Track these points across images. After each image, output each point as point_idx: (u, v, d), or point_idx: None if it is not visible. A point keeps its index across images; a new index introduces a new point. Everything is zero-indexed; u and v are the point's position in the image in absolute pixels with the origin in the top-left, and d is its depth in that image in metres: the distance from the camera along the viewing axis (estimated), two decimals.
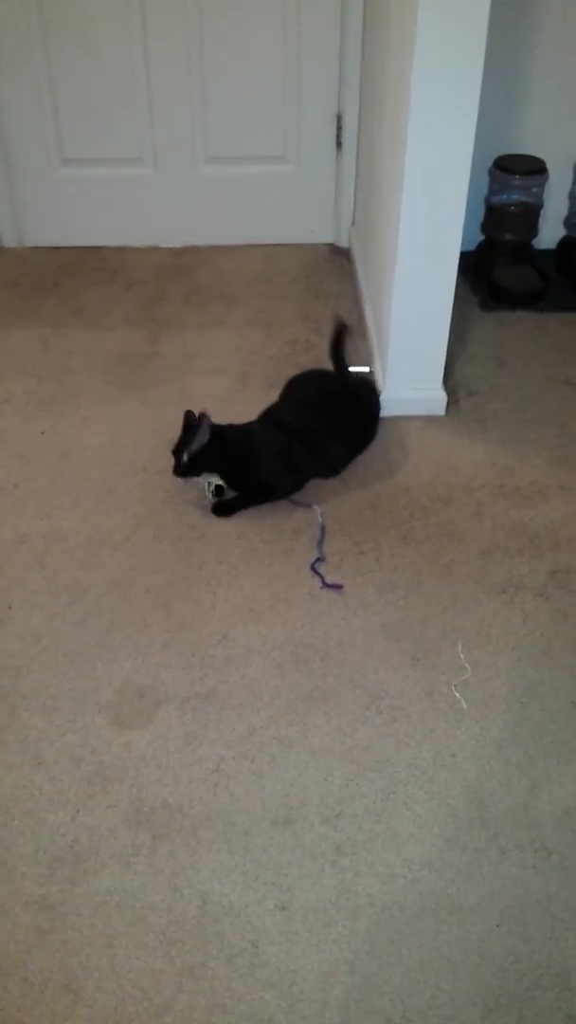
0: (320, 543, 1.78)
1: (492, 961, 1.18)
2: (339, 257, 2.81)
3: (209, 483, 1.85)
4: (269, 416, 1.94)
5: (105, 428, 2.10)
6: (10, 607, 1.66)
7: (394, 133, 1.89)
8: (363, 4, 2.41)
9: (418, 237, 1.88)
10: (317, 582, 1.70)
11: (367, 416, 2.05)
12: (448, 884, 1.25)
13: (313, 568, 1.73)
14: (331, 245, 2.88)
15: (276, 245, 2.86)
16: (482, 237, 2.67)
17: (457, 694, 1.50)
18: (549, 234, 2.70)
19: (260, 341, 2.41)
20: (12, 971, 1.17)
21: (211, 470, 1.83)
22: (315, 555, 1.76)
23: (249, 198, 2.79)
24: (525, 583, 1.70)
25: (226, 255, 2.82)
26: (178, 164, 2.73)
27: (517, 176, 2.51)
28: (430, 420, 2.12)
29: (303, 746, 1.43)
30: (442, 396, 2.12)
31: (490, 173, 2.55)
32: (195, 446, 1.78)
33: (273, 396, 2.03)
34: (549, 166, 2.53)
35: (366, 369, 2.12)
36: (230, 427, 1.86)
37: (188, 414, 1.83)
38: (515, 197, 2.55)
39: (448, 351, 2.07)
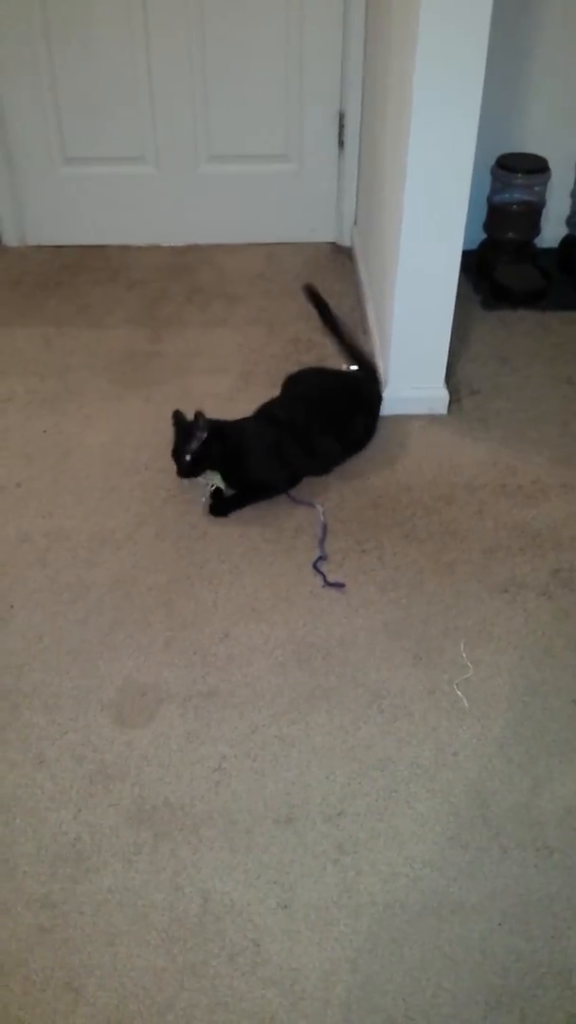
0: (322, 542, 1.78)
1: (494, 960, 1.18)
2: (341, 256, 2.81)
3: (211, 484, 1.85)
4: (262, 412, 1.94)
5: (107, 427, 2.11)
6: (12, 606, 1.66)
7: (396, 132, 1.89)
8: (365, 3, 2.41)
9: (420, 236, 1.88)
10: (319, 581, 1.70)
11: (364, 412, 2.03)
12: (450, 883, 1.25)
13: (315, 567, 1.73)
14: (333, 244, 2.87)
15: (278, 244, 2.86)
16: (484, 236, 2.66)
17: (459, 693, 1.50)
18: (551, 233, 2.70)
19: (262, 340, 2.41)
20: (14, 969, 1.17)
21: (213, 467, 1.83)
22: (317, 554, 1.76)
23: (251, 197, 2.79)
24: (527, 582, 1.70)
25: (228, 254, 2.82)
26: (180, 163, 2.73)
27: (519, 175, 2.51)
28: (432, 419, 2.12)
29: (305, 745, 1.43)
30: (444, 395, 2.12)
31: (492, 172, 2.54)
32: (195, 444, 1.78)
33: (275, 395, 2.03)
34: (551, 165, 2.53)
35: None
36: (225, 423, 1.86)
37: (176, 414, 1.82)
38: (517, 196, 2.55)
39: (450, 350, 2.07)
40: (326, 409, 1.95)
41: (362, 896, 1.24)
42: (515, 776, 1.38)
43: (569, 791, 1.36)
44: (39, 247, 2.87)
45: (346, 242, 2.84)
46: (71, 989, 1.15)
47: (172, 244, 2.87)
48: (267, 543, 1.79)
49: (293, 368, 2.14)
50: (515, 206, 2.56)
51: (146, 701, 1.50)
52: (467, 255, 1.97)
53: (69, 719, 1.47)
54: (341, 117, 2.65)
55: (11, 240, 2.87)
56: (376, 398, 2.08)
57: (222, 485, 1.85)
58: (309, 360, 2.28)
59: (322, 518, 1.83)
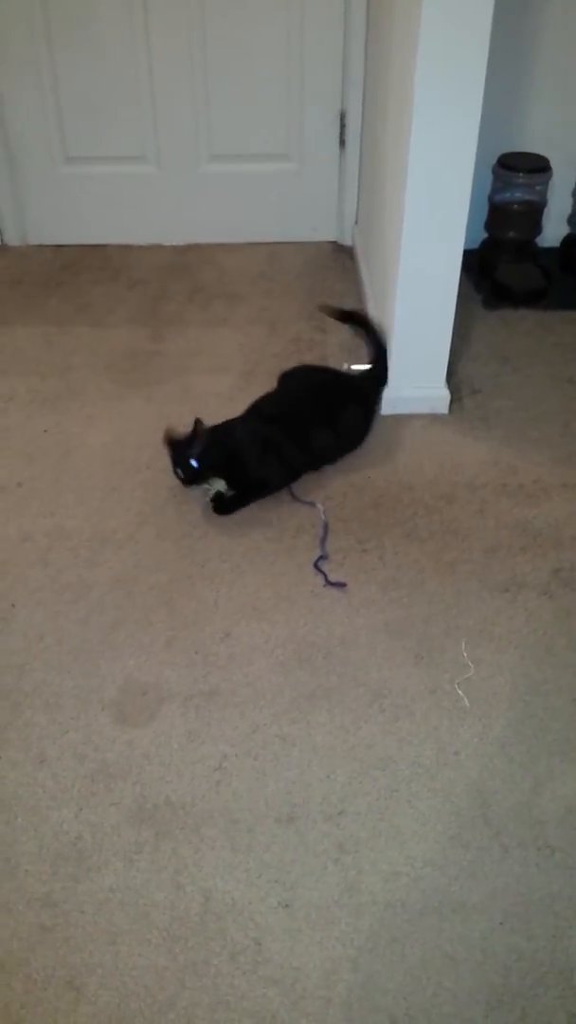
0: (323, 541, 1.78)
1: (495, 959, 1.18)
2: (342, 255, 2.81)
3: (212, 490, 1.84)
4: (253, 409, 1.95)
5: (108, 426, 2.11)
6: (13, 605, 1.66)
7: (398, 131, 1.89)
8: (367, 3, 2.41)
9: (421, 235, 1.87)
10: (320, 580, 1.70)
11: (357, 400, 2.03)
12: (451, 882, 1.25)
13: (316, 566, 1.73)
14: (334, 243, 2.88)
15: (279, 243, 2.86)
16: (485, 235, 2.67)
17: (460, 692, 1.50)
18: (553, 232, 2.70)
19: (263, 339, 2.41)
20: (15, 968, 1.17)
21: (217, 472, 1.82)
22: (318, 553, 1.76)
23: (252, 196, 2.79)
24: (528, 581, 1.70)
25: (229, 253, 2.82)
26: (181, 162, 2.73)
27: (521, 174, 2.51)
28: (433, 418, 2.12)
29: (306, 744, 1.43)
30: (445, 394, 2.12)
31: (494, 171, 2.54)
32: (197, 450, 1.77)
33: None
34: (553, 164, 2.53)
35: (368, 367, 2.12)
36: (217, 427, 1.86)
37: (168, 434, 1.83)
38: (519, 195, 2.55)
39: (451, 349, 2.07)
40: (318, 401, 1.96)
41: (363, 895, 1.24)
42: (516, 775, 1.38)
43: (570, 790, 1.36)
44: (40, 246, 2.87)
45: (347, 241, 2.84)
46: (72, 988, 1.16)
47: (173, 243, 2.87)
48: (268, 542, 1.79)
49: None
50: (516, 205, 2.56)
51: (147, 700, 1.50)
52: (468, 254, 1.97)
53: (70, 718, 1.47)
54: (342, 116, 2.65)
55: (12, 239, 2.87)
56: (372, 390, 2.07)
57: (223, 489, 1.85)
58: (311, 359, 2.29)
59: (323, 517, 1.83)
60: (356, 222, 2.80)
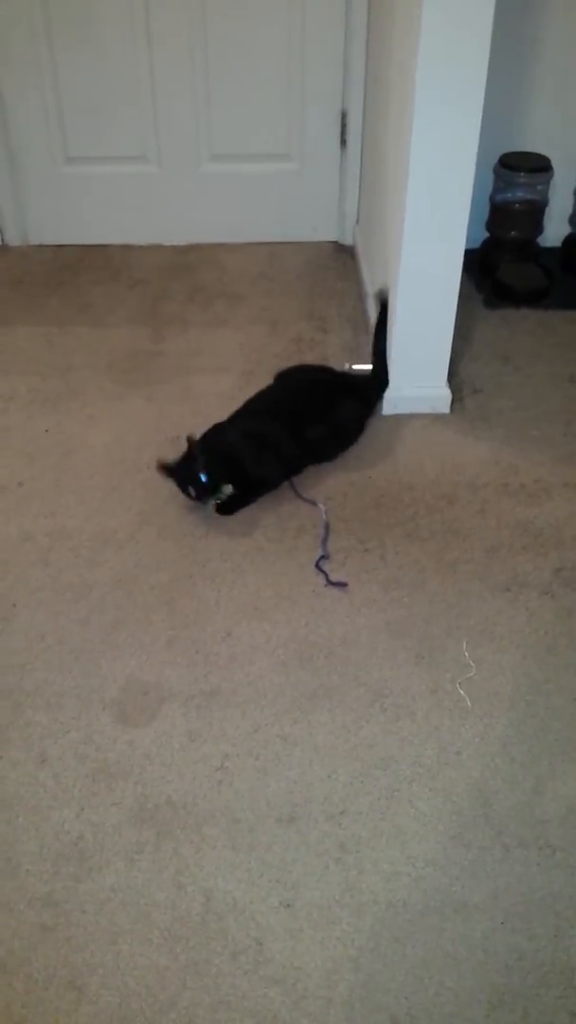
0: (324, 541, 1.78)
1: (496, 959, 1.18)
2: (343, 255, 2.81)
3: (225, 495, 1.83)
4: (245, 407, 1.95)
5: (109, 426, 2.11)
6: (14, 605, 1.66)
7: (399, 131, 1.88)
8: (367, 2, 2.41)
9: (422, 235, 1.87)
10: (321, 580, 1.70)
11: (353, 395, 2.02)
12: (452, 882, 1.25)
13: (317, 566, 1.73)
14: (335, 243, 2.87)
15: (280, 243, 2.86)
16: (487, 235, 2.66)
17: (462, 692, 1.50)
18: (554, 232, 2.70)
19: (264, 339, 2.41)
20: (16, 968, 1.17)
21: (224, 478, 1.81)
22: (319, 553, 1.75)
23: (253, 196, 2.79)
24: (530, 581, 1.70)
25: (230, 253, 2.82)
26: (182, 162, 2.73)
27: (522, 174, 2.51)
28: (434, 418, 2.12)
29: (307, 744, 1.43)
30: (446, 394, 2.12)
31: (495, 171, 2.54)
32: (201, 464, 1.77)
33: None
34: (554, 163, 2.53)
35: (368, 367, 2.12)
36: (208, 433, 1.86)
37: (160, 463, 1.83)
38: (520, 195, 2.55)
39: (452, 349, 2.07)
40: (312, 396, 1.96)
41: (364, 895, 1.24)
42: (518, 775, 1.38)
43: (572, 790, 1.36)
44: (41, 246, 2.87)
45: (348, 241, 2.84)
46: (73, 988, 1.16)
47: (174, 243, 2.87)
48: (269, 542, 1.79)
49: None
50: (517, 205, 2.56)
51: (148, 700, 1.50)
52: (469, 254, 1.97)
53: (71, 718, 1.47)
54: (343, 116, 2.65)
55: (13, 239, 2.87)
56: (371, 388, 2.07)
57: (229, 491, 1.84)
58: (311, 359, 2.29)
59: (324, 517, 1.83)
60: (357, 222, 2.79)
